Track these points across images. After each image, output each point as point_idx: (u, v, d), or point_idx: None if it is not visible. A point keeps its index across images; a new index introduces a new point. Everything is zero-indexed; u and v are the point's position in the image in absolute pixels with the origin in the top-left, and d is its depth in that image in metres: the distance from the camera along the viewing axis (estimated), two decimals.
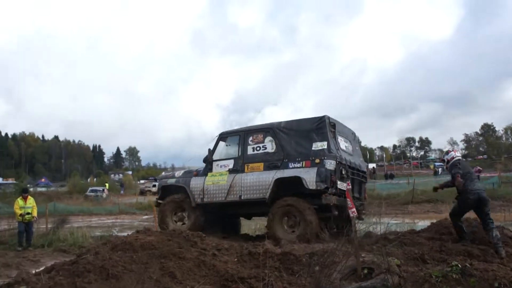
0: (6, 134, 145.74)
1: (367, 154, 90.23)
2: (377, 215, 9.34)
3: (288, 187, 9.17)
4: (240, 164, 9.85)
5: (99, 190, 48.38)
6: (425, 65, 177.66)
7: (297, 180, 9.00)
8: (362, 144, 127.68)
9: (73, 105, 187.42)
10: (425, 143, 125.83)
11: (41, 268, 8.46)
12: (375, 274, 5.60)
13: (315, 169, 8.86)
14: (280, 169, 9.30)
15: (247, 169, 9.72)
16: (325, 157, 8.90)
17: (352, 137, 10.74)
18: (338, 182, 9.01)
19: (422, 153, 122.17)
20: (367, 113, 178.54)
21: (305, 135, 9.41)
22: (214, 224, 10.33)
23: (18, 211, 14.68)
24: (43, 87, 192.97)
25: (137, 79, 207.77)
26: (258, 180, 9.44)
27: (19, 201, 14.94)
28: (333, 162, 8.94)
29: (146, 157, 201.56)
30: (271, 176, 9.29)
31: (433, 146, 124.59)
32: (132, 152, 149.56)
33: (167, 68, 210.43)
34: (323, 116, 9.42)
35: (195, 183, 10.29)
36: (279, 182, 9.22)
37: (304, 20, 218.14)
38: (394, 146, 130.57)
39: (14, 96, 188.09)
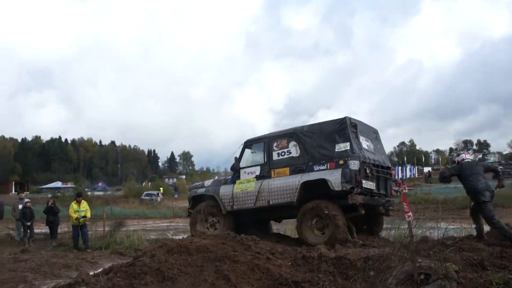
0: (66, 140, 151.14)
1: (422, 157, 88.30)
2: (433, 220, 9.16)
3: (315, 190, 9.33)
4: (267, 170, 10.08)
5: (154, 194, 49.21)
6: (484, 65, 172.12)
7: (323, 182, 9.17)
8: (417, 147, 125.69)
9: (129, 110, 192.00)
10: (483, 146, 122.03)
11: (100, 270, 8.71)
12: (432, 280, 5.47)
13: (339, 170, 9.06)
14: (306, 172, 9.50)
15: (274, 174, 9.94)
16: (349, 158, 9.09)
17: (374, 136, 10.77)
18: (363, 181, 9.15)
19: (480, 156, 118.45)
20: (423, 116, 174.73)
21: (328, 138, 9.58)
22: (246, 226, 10.45)
23: (73, 215, 15.30)
24: (100, 93, 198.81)
25: (191, 84, 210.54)
26: (285, 185, 9.63)
27: (74, 205, 15.57)
28: (357, 162, 9.09)
29: (199, 162, 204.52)
30: (298, 179, 9.47)
31: (492, 149, 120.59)
32: (186, 156, 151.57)
33: (221, 73, 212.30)
34: (344, 118, 9.58)
35: (224, 191, 10.55)
36: (305, 185, 9.39)
37: (359, 22, 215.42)
38: (451, 149, 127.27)
39: (74, 102, 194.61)
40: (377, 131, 11.04)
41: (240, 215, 10.41)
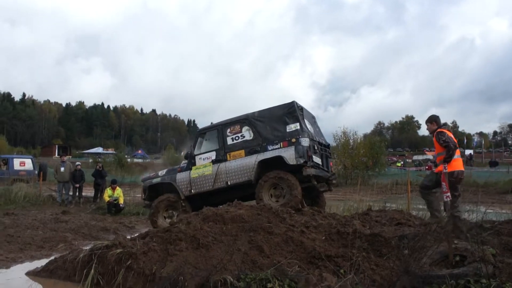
0: (108, 106, 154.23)
1: (464, 139, 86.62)
2: (472, 203, 9.03)
3: (270, 167, 9.90)
4: (222, 154, 10.55)
5: None
6: None
7: (278, 159, 9.82)
8: (460, 130, 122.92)
9: (172, 80, 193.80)
10: None
11: (136, 234, 8.91)
12: (467, 262, 5.39)
13: (293, 147, 9.72)
14: (261, 153, 10.06)
15: (230, 157, 10.44)
16: (300, 136, 9.77)
17: (313, 120, 11.53)
18: (313, 156, 9.90)
19: None
20: (469, 97, 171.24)
21: (278, 120, 10.18)
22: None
23: (107, 199, 15.92)
24: (145, 62, 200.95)
25: (236, 56, 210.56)
26: (242, 165, 10.18)
27: (108, 191, 16.38)
28: (307, 139, 9.82)
29: None
30: (254, 159, 10.07)
31: None
32: None
33: (267, 46, 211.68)
34: (292, 102, 10.29)
35: (181, 177, 10.92)
36: (262, 163, 9.98)
37: None
38: (495, 133, 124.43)
39: (119, 70, 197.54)
40: (315, 116, 11.93)
41: (198, 199, 10.73)
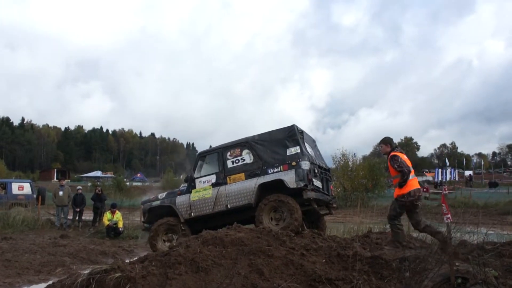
0: (107, 130, 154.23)
1: (463, 160, 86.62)
2: (473, 224, 8.99)
3: (271, 190, 9.87)
4: (222, 177, 10.52)
5: None
6: None
7: (279, 182, 9.78)
8: (459, 150, 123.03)
9: (171, 103, 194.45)
10: None
11: (135, 258, 8.85)
12: (469, 284, 5.36)
13: (293, 171, 9.68)
14: (261, 176, 10.05)
15: (230, 180, 10.41)
16: (300, 159, 9.73)
17: (314, 144, 11.56)
18: (314, 180, 9.87)
19: None
20: (468, 118, 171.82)
21: (278, 143, 10.21)
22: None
23: (106, 223, 15.88)
24: (144, 85, 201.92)
25: (235, 79, 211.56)
26: (242, 188, 10.16)
27: (108, 215, 16.37)
28: (307, 162, 9.77)
29: None
30: (254, 182, 10.04)
31: None
32: None
33: (265, 68, 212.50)
34: (293, 125, 10.32)
35: (181, 200, 10.88)
36: (262, 186, 9.95)
37: (409, 19, 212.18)
38: (494, 153, 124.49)
39: (118, 94, 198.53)
40: (315, 140, 11.96)
41: (198, 222, 10.67)
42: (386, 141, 8.20)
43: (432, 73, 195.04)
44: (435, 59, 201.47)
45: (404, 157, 7.84)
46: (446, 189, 7.24)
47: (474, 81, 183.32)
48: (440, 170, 62.17)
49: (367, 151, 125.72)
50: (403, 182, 7.54)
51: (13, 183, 24.37)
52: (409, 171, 7.66)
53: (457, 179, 63.20)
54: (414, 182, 7.77)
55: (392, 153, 7.84)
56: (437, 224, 10.47)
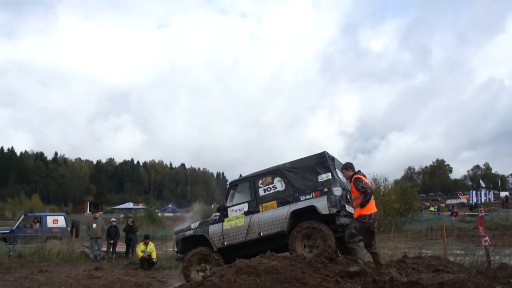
0: (138, 162, 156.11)
1: (499, 181, 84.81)
2: None
3: (303, 218, 9.77)
4: (254, 206, 10.49)
5: None
6: None
7: (311, 209, 9.66)
8: (493, 171, 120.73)
9: (200, 134, 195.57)
10: None
11: None
12: None
13: (325, 197, 9.57)
14: (293, 203, 9.97)
15: (262, 208, 10.37)
16: (332, 185, 9.64)
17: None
18: (346, 206, 9.72)
19: None
20: (500, 138, 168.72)
21: (310, 170, 10.13)
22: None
23: (140, 254, 15.94)
24: (174, 118, 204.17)
25: (263, 109, 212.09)
26: (275, 216, 10.08)
27: (141, 246, 16.48)
28: (339, 188, 9.68)
29: None
30: (286, 210, 9.95)
31: None
32: None
33: (294, 97, 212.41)
34: (323, 152, 10.28)
35: (214, 229, 10.87)
36: (294, 214, 9.86)
37: (438, 42, 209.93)
38: None
39: (148, 126, 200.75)
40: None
41: (231, 251, 10.61)
42: (347, 166, 8.77)
43: (463, 94, 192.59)
44: (465, 81, 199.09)
45: (365, 179, 8.32)
46: (482, 211, 7.08)
47: (506, 101, 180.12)
48: (474, 192, 60.88)
49: (399, 175, 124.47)
50: (365, 203, 7.93)
51: (48, 217, 24.68)
52: (372, 193, 8.10)
53: (492, 200, 61.82)
54: (373, 205, 8.24)
55: (356, 176, 8.25)
56: (474, 248, 10.26)
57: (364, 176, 8.39)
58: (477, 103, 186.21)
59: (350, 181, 8.25)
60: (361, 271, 6.96)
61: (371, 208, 8.04)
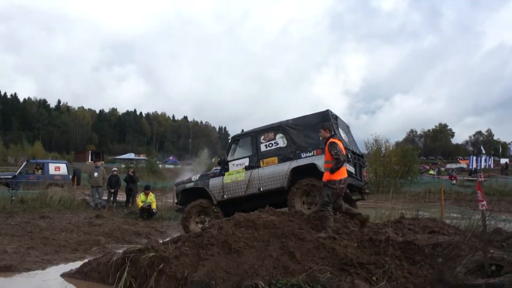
0: (141, 113, 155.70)
1: (500, 148, 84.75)
2: (508, 212, 8.86)
3: (303, 175, 9.87)
4: (255, 161, 10.61)
5: None
6: None
7: (311, 167, 9.77)
8: (495, 138, 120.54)
9: (204, 87, 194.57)
10: None
11: (168, 239, 9.00)
12: (504, 272, 5.29)
13: None
14: (294, 160, 10.06)
15: (263, 164, 10.49)
16: None
17: (348, 130, 11.46)
18: (347, 165, 9.52)
19: None
20: (506, 105, 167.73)
21: (312, 128, 10.08)
22: None
23: (140, 204, 16.02)
24: (179, 69, 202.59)
25: (269, 64, 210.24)
26: (275, 172, 10.20)
27: (141, 196, 16.50)
28: None
29: None
30: (287, 166, 10.07)
31: None
32: None
33: (300, 54, 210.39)
34: (327, 110, 10.25)
35: (214, 183, 10.99)
36: (295, 170, 9.97)
37: (450, 4, 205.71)
38: None
39: (152, 77, 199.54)
40: (349, 126, 11.86)
41: (230, 205, 10.74)
42: (326, 127, 8.45)
43: (472, 59, 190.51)
44: (475, 45, 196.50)
45: (341, 145, 8.08)
46: (481, 176, 7.10)
47: None
48: (475, 157, 61.03)
49: (401, 137, 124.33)
50: (336, 169, 7.74)
51: (50, 164, 24.87)
52: (344, 160, 7.91)
53: (492, 166, 61.94)
54: (344, 171, 8.05)
55: (331, 140, 8.03)
56: (471, 212, 10.36)
57: (340, 140, 8.28)
58: (486, 68, 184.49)
59: (325, 143, 8.12)
60: (328, 238, 6.99)
61: (342, 173, 7.90)
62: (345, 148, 9.83)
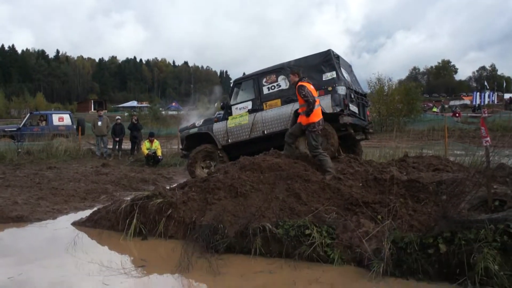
0: (141, 60, 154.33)
1: (503, 83, 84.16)
2: None
3: None
4: (258, 104, 10.55)
5: None
6: None
7: None
8: (499, 73, 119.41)
9: (204, 31, 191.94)
10: None
11: (175, 185, 9.10)
12: (507, 206, 5.35)
13: (329, 96, 9.58)
14: (297, 101, 9.71)
15: (266, 106, 10.44)
16: (336, 84, 9.65)
17: (350, 69, 11.36)
18: (350, 105, 9.78)
19: None
20: (510, 38, 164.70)
21: (314, 69, 9.99)
22: None
23: (145, 151, 16.08)
24: (177, 13, 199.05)
25: (269, 4, 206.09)
26: (279, 114, 10.17)
27: (146, 143, 16.54)
28: (344, 87, 9.70)
29: None
30: (290, 108, 10.00)
31: None
32: None
33: None
34: (329, 50, 10.15)
35: (218, 127, 11.01)
36: (297, 112, 9.73)
37: None
38: None
39: (151, 23, 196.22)
40: (351, 65, 11.74)
41: (235, 149, 10.76)
42: (294, 71, 8.49)
43: None
44: None
45: (310, 87, 8.12)
46: (485, 111, 7.09)
47: None
48: (478, 93, 60.75)
49: (403, 75, 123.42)
50: (309, 111, 7.85)
51: (53, 115, 24.88)
52: (314, 101, 7.94)
53: (496, 102, 61.75)
54: (320, 112, 8.16)
55: (300, 83, 8.08)
56: (475, 148, 10.39)
57: (310, 83, 8.27)
58: (489, 1, 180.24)
59: (295, 87, 8.18)
60: (333, 178, 7.07)
61: (318, 115, 7.99)
62: (348, 87, 9.85)
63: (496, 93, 67.99)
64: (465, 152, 11.11)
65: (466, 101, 70.18)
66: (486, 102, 56.70)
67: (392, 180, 6.44)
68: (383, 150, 13.37)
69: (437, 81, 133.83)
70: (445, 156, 11.00)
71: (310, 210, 6.08)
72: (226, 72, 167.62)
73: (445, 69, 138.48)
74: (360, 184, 6.76)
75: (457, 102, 70.94)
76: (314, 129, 7.88)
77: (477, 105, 54.02)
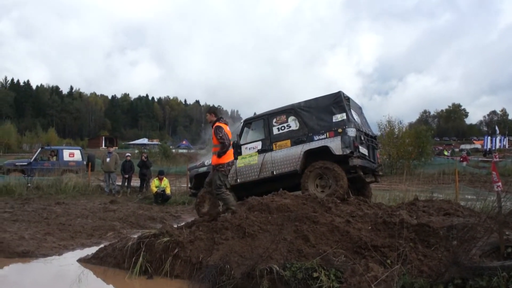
0: (153, 98, 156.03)
1: None
2: None
3: (316, 157, 9.83)
4: (268, 144, 10.54)
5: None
6: None
7: (324, 149, 9.73)
8: (510, 117, 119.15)
9: (216, 70, 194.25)
10: None
11: (182, 223, 9.05)
12: None
13: (339, 137, 9.60)
14: (307, 143, 10.00)
15: (275, 147, 10.44)
16: (346, 126, 9.63)
17: (360, 111, 11.34)
18: (360, 147, 9.75)
19: None
20: None
21: (324, 110, 10.07)
22: None
23: (154, 189, 16.11)
24: (190, 53, 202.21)
25: (282, 46, 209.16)
26: (288, 155, 10.14)
27: (156, 181, 16.61)
28: (354, 129, 9.67)
29: None
30: (300, 149, 10.00)
31: None
32: None
33: (313, 34, 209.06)
34: (339, 92, 10.15)
35: None
36: (308, 153, 9.92)
37: None
38: None
39: (164, 62, 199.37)
40: (361, 107, 11.73)
41: (243, 189, 10.69)
42: (211, 110, 8.49)
43: (488, 37, 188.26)
44: (492, 22, 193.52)
45: (227, 129, 8.13)
46: (496, 156, 7.03)
47: None
48: (489, 137, 60.52)
49: (414, 118, 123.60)
50: (222, 153, 7.86)
51: (64, 150, 25.05)
52: (229, 144, 7.97)
53: (507, 146, 61.46)
54: (231, 154, 8.19)
55: (217, 124, 8.05)
56: (486, 193, 10.28)
57: (226, 124, 8.26)
58: (502, 46, 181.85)
59: (212, 127, 8.15)
60: (235, 212, 7.23)
61: (229, 156, 8.02)
62: (358, 129, 9.87)
63: (507, 138, 67.74)
64: (476, 197, 10.98)
65: (477, 145, 69.97)
66: (497, 147, 56.42)
67: (402, 223, 6.35)
68: (393, 193, 13.29)
69: (447, 124, 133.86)
70: (456, 200, 10.89)
71: (318, 252, 5.99)
72: (237, 111, 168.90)
73: (456, 112, 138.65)
74: (370, 227, 6.67)
75: (468, 146, 70.73)
76: (222, 169, 7.92)
77: (488, 149, 53.75)
